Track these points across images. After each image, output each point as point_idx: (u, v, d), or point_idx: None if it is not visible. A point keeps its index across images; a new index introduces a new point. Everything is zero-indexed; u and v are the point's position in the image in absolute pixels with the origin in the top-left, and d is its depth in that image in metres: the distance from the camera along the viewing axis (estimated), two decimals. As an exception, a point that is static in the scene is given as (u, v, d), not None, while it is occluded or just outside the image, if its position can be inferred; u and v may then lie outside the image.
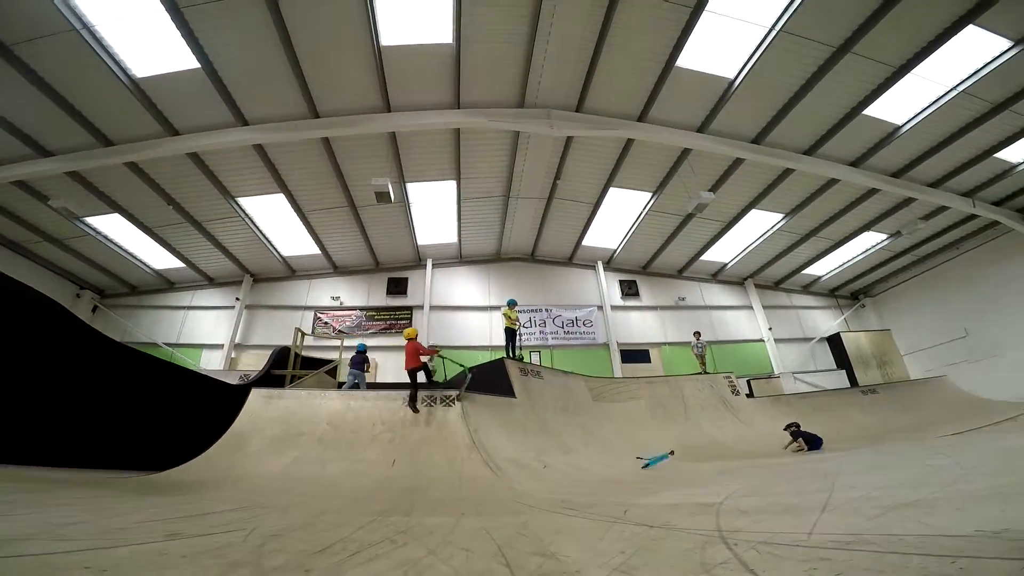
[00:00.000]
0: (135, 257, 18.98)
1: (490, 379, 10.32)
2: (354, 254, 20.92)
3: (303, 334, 14.38)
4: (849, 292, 25.21)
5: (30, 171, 13.25)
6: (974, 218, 18.04)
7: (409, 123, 13.43)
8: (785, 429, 9.95)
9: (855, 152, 15.14)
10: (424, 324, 20.08)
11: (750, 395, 15.41)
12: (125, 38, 10.70)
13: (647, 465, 8.00)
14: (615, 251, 22.05)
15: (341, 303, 21.19)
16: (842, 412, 13.11)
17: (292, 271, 21.57)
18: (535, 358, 19.52)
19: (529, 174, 16.03)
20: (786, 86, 12.79)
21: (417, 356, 8.73)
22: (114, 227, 17.11)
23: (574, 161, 15.97)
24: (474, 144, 15.14)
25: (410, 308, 21.23)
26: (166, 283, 21.00)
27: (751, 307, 23.52)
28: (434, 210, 18.51)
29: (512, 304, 12.86)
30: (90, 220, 16.52)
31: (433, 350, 10.30)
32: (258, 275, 21.43)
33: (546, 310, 21.69)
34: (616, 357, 20.61)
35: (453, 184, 16.77)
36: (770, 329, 22.63)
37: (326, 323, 20.74)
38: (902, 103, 13.13)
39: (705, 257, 22.10)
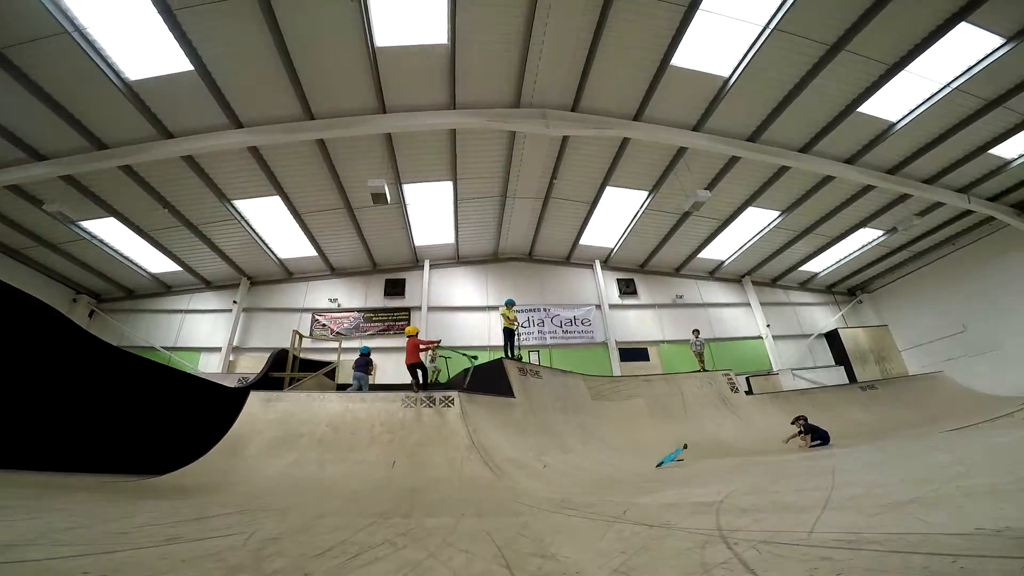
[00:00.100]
0: (131, 261, 18.90)
1: (489, 379, 10.33)
2: (351, 256, 20.88)
3: (301, 336, 14.35)
4: (846, 288, 25.31)
5: (24, 175, 13.18)
6: (969, 214, 18.13)
7: (405, 124, 13.40)
8: (793, 423, 9.89)
9: (850, 149, 15.19)
10: (422, 325, 20.03)
11: (749, 392, 15.43)
12: (118, 41, 10.64)
13: (660, 464, 7.95)
14: (612, 250, 22.08)
15: (339, 305, 21.16)
16: (841, 408, 13.13)
17: (289, 273, 21.51)
18: (534, 358, 19.50)
19: (525, 174, 16.01)
20: (781, 84, 12.82)
21: (417, 352, 9.19)
22: (109, 231, 17.02)
23: (570, 161, 15.97)
24: (470, 144, 15.12)
25: (408, 309, 21.21)
26: (163, 287, 20.90)
27: (749, 304, 23.57)
28: (431, 211, 18.48)
29: (510, 304, 12.89)
30: (85, 224, 16.42)
31: (432, 342, 10.97)
32: (255, 278, 21.37)
33: (544, 310, 21.69)
34: (615, 356, 20.63)
35: (449, 185, 16.75)
36: (768, 326, 22.69)
37: (324, 325, 20.70)
38: (896, 100, 13.18)
39: (702, 255, 22.14)
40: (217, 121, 12.88)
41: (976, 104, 13.06)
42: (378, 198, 12.88)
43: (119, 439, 6.64)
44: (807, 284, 24.93)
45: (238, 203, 16.57)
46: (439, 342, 12.80)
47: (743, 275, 24.04)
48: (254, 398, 8.29)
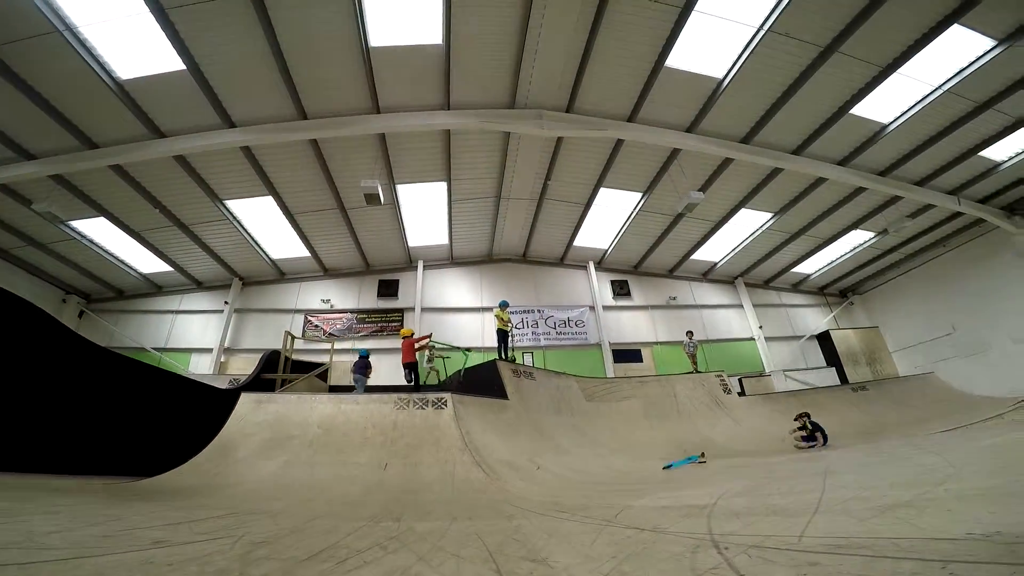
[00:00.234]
0: (122, 261, 18.73)
1: (483, 381, 10.32)
2: (344, 256, 20.80)
3: (293, 338, 14.27)
4: (838, 290, 25.46)
5: (12, 174, 13.03)
6: (959, 216, 18.28)
7: (399, 124, 13.35)
8: (795, 420, 10.06)
9: (842, 151, 15.29)
10: (416, 326, 19.93)
11: (742, 393, 15.49)
12: (109, 40, 10.53)
13: (669, 466, 7.90)
14: (606, 251, 22.12)
15: (332, 306, 21.06)
16: (833, 409, 13.19)
17: (281, 274, 21.39)
18: (527, 359, 19.50)
19: (520, 175, 15.99)
20: (774, 86, 12.88)
21: (413, 352, 9.37)
22: (100, 231, 16.86)
23: (565, 162, 15.98)
24: (464, 145, 15.09)
25: (401, 310, 21.16)
26: (154, 287, 20.72)
27: (741, 306, 23.67)
28: (424, 212, 18.43)
29: (504, 305, 12.92)
30: (75, 224, 16.27)
31: (424, 337, 11.37)
32: (247, 278, 21.24)
33: (538, 311, 21.70)
34: (608, 357, 20.65)
35: (443, 185, 16.71)
36: (760, 327, 22.78)
37: (316, 326, 20.60)
38: (888, 102, 13.28)
39: (695, 256, 22.21)
40: (209, 121, 12.78)
41: (967, 106, 13.17)
42: (371, 199, 12.85)
43: (107, 441, 6.56)
44: (799, 286, 25.08)
45: (230, 203, 16.47)
46: (430, 336, 13.15)
47: (736, 277, 24.15)
48: (245, 400, 8.22)
